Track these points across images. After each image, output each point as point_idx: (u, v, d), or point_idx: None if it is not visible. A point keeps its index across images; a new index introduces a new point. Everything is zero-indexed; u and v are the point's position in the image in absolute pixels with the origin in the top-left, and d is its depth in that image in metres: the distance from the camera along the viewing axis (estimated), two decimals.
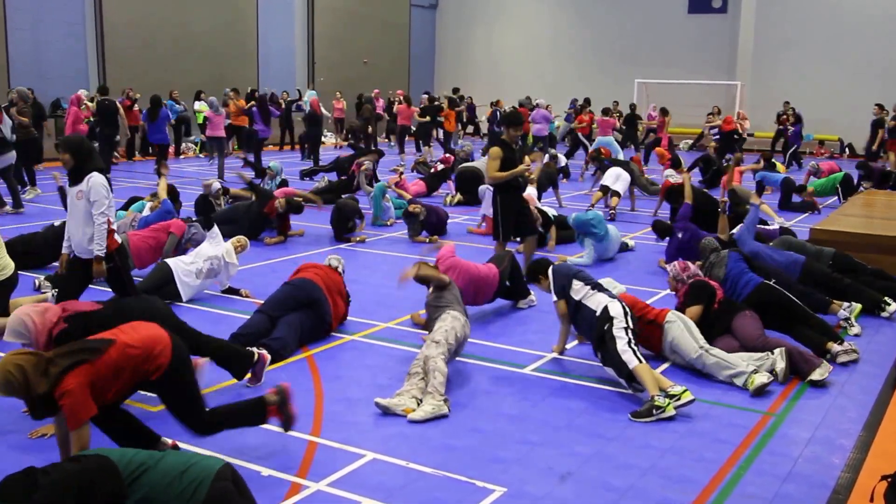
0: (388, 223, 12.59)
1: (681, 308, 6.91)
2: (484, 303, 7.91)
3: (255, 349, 6.07)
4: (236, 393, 5.80)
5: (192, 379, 4.65)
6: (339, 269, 7.58)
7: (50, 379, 4.09)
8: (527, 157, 9.00)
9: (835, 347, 6.72)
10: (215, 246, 8.26)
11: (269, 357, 6.03)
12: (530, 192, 12.55)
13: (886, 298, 8.08)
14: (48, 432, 5.07)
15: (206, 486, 3.57)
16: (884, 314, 8.01)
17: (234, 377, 5.84)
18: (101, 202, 6.24)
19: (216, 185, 12.32)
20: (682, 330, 6.47)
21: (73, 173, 6.35)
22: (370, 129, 20.59)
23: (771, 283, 7.32)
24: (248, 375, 5.91)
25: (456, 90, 26.19)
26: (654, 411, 5.52)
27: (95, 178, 6.28)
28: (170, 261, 8.09)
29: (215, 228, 8.48)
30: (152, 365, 4.43)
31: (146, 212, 10.00)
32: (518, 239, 9.37)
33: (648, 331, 6.58)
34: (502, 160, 8.47)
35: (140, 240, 8.78)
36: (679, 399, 5.56)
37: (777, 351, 6.27)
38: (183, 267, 8.04)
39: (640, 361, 5.78)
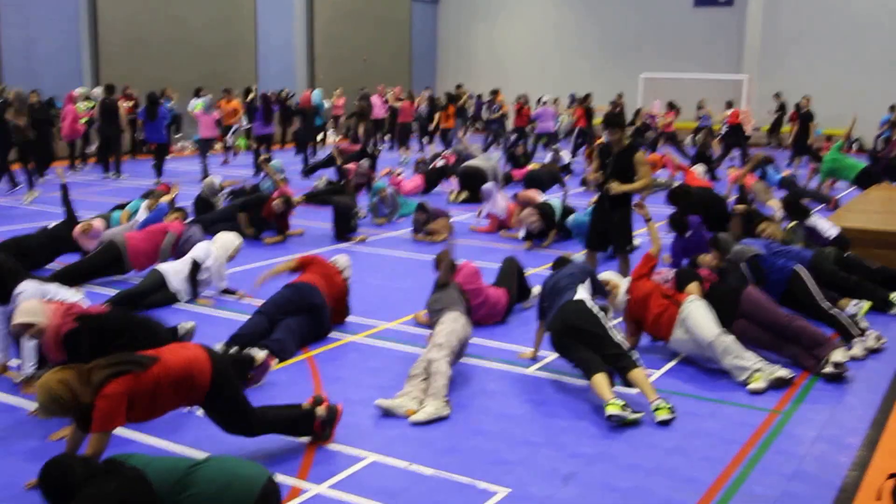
0: (380, 222, 12.57)
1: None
2: (493, 324, 7.68)
3: (258, 351, 6.02)
4: None
5: (234, 393, 4.66)
6: (345, 274, 7.50)
7: (93, 387, 4.12)
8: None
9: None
10: (206, 254, 8.20)
11: (274, 361, 5.95)
12: (532, 193, 12.54)
13: (893, 296, 8.01)
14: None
15: None
16: (892, 311, 7.94)
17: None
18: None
19: (216, 180, 12.31)
20: (704, 310, 6.41)
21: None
22: (363, 125, 20.53)
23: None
24: (249, 377, 5.86)
25: (459, 86, 26.09)
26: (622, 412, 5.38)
27: (22, 296, 5.80)
28: (161, 267, 8.05)
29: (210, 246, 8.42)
30: (194, 385, 4.43)
31: (142, 212, 9.95)
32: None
33: (662, 307, 6.55)
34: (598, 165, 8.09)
35: (138, 241, 8.75)
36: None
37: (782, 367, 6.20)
38: (174, 274, 8.02)
39: (590, 377, 5.62)
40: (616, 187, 7.88)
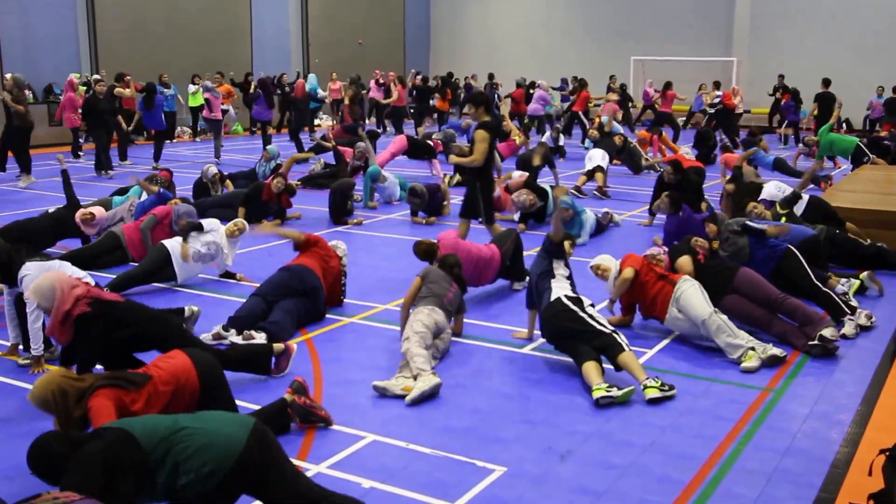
0: (374, 205, 12.57)
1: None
2: (486, 283, 7.89)
3: (257, 333, 6.06)
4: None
5: (224, 398, 4.75)
6: (343, 261, 7.53)
7: (83, 404, 4.29)
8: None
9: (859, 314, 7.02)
10: (213, 231, 8.25)
11: (294, 348, 5.96)
12: (521, 173, 12.59)
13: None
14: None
15: (236, 454, 3.61)
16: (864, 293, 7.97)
17: (262, 374, 5.80)
18: (30, 302, 5.73)
19: (213, 169, 12.32)
20: (696, 290, 6.50)
21: (4, 278, 6.10)
22: (356, 109, 20.53)
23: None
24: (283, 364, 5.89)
25: (450, 74, 26.09)
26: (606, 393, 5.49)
27: (28, 279, 5.83)
28: (167, 243, 8.10)
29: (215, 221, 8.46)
30: (184, 394, 4.57)
31: (143, 196, 9.99)
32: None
33: (656, 286, 6.63)
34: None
35: (133, 231, 8.81)
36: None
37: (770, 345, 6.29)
38: (180, 249, 8.06)
39: (580, 367, 5.75)
40: (452, 158, 9.24)
